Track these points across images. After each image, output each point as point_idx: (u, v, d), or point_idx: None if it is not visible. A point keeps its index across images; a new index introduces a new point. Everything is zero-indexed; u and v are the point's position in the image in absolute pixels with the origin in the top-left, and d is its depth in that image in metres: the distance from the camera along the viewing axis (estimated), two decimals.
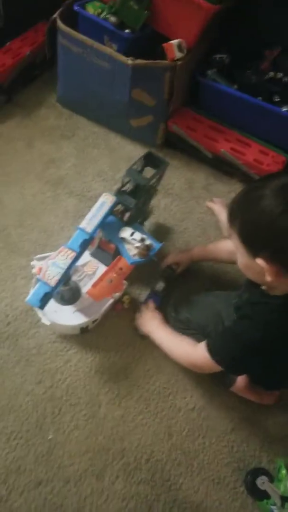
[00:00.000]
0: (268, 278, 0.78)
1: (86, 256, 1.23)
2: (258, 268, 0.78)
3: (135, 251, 1.12)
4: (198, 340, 1.04)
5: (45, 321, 1.11)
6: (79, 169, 1.54)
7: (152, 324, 1.16)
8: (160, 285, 1.27)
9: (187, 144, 1.57)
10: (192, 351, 1.00)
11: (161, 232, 1.42)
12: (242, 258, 0.84)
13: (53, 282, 0.99)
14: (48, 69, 1.75)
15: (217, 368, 0.94)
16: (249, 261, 0.81)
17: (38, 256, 1.20)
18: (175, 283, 1.29)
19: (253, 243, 0.79)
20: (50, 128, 1.64)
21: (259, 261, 0.77)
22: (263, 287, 0.87)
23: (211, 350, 0.94)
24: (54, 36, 1.51)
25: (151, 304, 1.22)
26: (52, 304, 1.13)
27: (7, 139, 1.58)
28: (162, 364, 1.18)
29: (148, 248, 1.11)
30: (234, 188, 1.57)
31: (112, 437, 1.07)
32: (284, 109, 1.47)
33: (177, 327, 1.17)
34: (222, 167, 1.58)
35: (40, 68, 1.75)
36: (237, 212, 0.82)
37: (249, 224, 0.79)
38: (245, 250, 0.81)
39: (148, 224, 1.41)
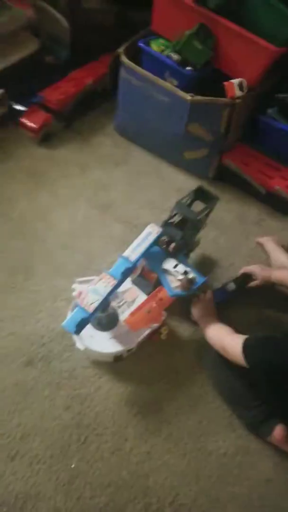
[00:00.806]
0: None
1: (127, 283, 1.22)
2: None
3: (177, 284, 1.11)
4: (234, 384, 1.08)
5: (80, 345, 1.11)
6: (128, 196, 1.56)
7: (203, 313, 1.17)
8: (231, 285, 1.28)
9: (240, 178, 1.56)
10: (230, 338, 1.04)
11: (206, 265, 1.40)
12: None
13: (91, 309, 0.99)
14: (108, 99, 1.81)
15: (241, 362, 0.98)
16: None
17: (79, 279, 1.22)
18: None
19: None
20: (104, 155, 1.68)
21: None
22: None
23: (246, 343, 0.97)
24: (117, 69, 1.57)
25: (210, 296, 1.22)
26: (88, 328, 1.12)
27: (63, 163, 1.63)
28: (196, 403, 1.14)
29: (191, 281, 1.09)
30: (287, 226, 1.53)
31: (136, 473, 1.03)
32: None
33: (215, 368, 1.14)
34: (276, 204, 1.55)
35: (101, 98, 1.82)
36: None
37: None
38: None
39: (193, 255, 1.39)
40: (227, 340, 1.06)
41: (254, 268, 1.28)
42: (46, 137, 1.67)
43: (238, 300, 1.30)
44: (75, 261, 1.37)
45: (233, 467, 1.06)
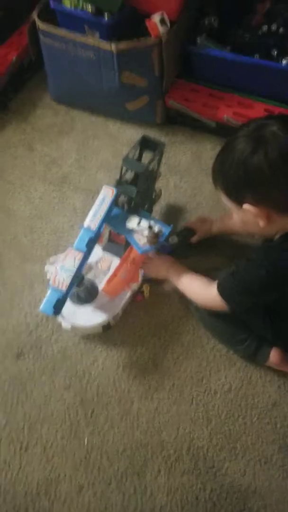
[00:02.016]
0: (261, 223, 0.80)
1: (99, 252, 1.20)
2: (251, 218, 0.81)
3: (144, 240, 1.09)
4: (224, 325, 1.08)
5: (65, 325, 1.10)
6: (82, 163, 1.51)
7: (164, 267, 1.14)
8: (173, 238, 1.23)
9: (188, 117, 1.50)
10: (204, 291, 1.00)
11: (174, 212, 1.38)
12: (236, 215, 0.86)
13: (64, 287, 0.97)
14: (37, 70, 1.72)
15: (223, 306, 0.95)
16: (241, 213, 0.83)
17: (50, 259, 1.19)
18: (191, 263, 1.22)
19: (236, 192, 0.81)
20: (47, 128, 1.62)
21: (246, 207, 0.79)
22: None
23: (220, 287, 0.94)
24: (36, 36, 1.48)
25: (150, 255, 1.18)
26: (70, 306, 1.12)
27: (7, 146, 1.57)
28: (191, 349, 1.14)
29: (156, 234, 1.07)
30: None
31: (149, 431, 1.05)
32: (284, 61, 1.37)
33: (201, 310, 1.13)
34: (228, 134, 1.49)
35: (29, 71, 1.72)
36: (217, 168, 0.84)
37: (227, 174, 0.81)
38: (234, 204, 0.83)
39: (159, 206, 1.37)
40: (200, 297, 1.04)
41: (193, 224, 1.25)
42: None
43: (187, 252, 1.27)
44: (44, 243, 1.34)
45: (240, 399, 1.08)
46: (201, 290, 1.03)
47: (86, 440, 1.04)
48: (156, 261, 1.16)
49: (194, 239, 1.24)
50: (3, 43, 1.68)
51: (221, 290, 0.94)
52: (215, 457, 1.02)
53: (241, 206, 0.80)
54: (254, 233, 0.91)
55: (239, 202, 0.81)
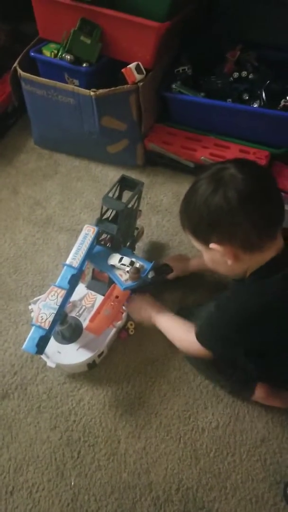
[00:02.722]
0: (229, 262, 0.81)
1: (82, 289, 1.21)
2: (219, 257, 0.82)
3: (126, 276, 1.10)
4: None
5: (50, 364, 1.09)
6: (66, 205, 1.55)
7: (145, 308, 1.13)
8: (151, 275, 1.21)
9: (167, 158, 1.56)
10: (185, 337, 0.98)
11: (156, 250, 1.40)
12: (205, 255, 0.87)
13: (46, 325, 0.97)
14: (21, 115, 1.79)
15: (207, 353, 0.93)
16: (210, 253, 0.85)
17: (34, 299, 1.20)
18: (175, 294, 1.28)
19: (201, 232, 0.83)
20: (32, 172, 1.66)
21: (213, 246, 0.80)
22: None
23: (197, 334, 0.93)
24: (18, 84, 1.54)
25: (141, 293, 1.18)
26: (54, 345, 1.12)
27: None
28: (177, 386, 1.14)
29: (138, 270, 1.08)
30: None
31: (136, 472, 1.03)
32: (255, 105, 1.45)
33: None
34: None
35: (13, 116, 1.79)
36: (182, 211, 0.86)
37: (192, 216, 0.83)
38: (201, 244, 0.85)
39: (141, 244, 1.39)
40: (184, 344, 1.03)
41: (170, 261, 1.26)
42: None
43: (162, 288, 1.29)
44: (28, 283, 1.35)
45: (228, 437, 1.07)
46: (183, 338, 1.01)
47: (73, 482, 1.01)
48: (138, 303, 1.16)
49: (171, 276, 1.25)
50: None
51: (202, 340, 0.92)
52: (205, 497, 1.00)
53: (208, 246, 0.81)
54: (224, 273, 0.90)
55: (205, 242, 0.82)
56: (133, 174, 1.60)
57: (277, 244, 0.82)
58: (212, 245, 0.80)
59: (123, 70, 1.36)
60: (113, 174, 1.62)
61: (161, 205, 1.52)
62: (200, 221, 0.81)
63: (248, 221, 0.76)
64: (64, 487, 1.01)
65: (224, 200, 0.75)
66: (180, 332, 1.03)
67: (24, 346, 0.98)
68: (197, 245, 0.86)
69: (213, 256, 0.84)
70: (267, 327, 0.83)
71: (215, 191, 0.76)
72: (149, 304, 1.14)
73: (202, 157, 1.48)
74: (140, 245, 1.38)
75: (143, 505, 0.99)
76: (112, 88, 1.37)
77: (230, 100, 1.49)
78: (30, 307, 1.20)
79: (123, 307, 1.14)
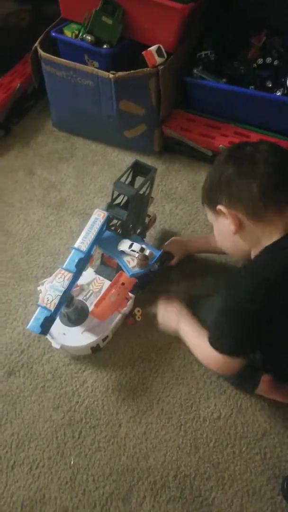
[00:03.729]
0: (232, 227, 0.84)
1: (91, 274, 1.22)
2: (226, 228, 0.86)
3: (134, 263, 1.10)
4: None
5: (55, 345, 1.10)
6: (80, 188, 1.55)
7: (173, 320, 1.11)
8: (153, 265, 1.18)
9: (185, 146, 1.54)
10: (206, 352, 0.94)
11: (167, 238, 1.37)
12: (215, 227, 0.93)
13: (52, 306, 0.98)
14: (41, 97, 1.78)
15: (227, 363, 0.89)
16: (218, 223, 0.90)
17: (43, 280, 1.21)
18: (182, 283, 1.27)
19: (213, 195, 0.88)
20: (49, 154, 1.66)
21: (220, 207, 0.85)
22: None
23: (211, 340, 0.90)
24: (39, 65, 1.54)
25: (164, 299, 1.16)
26: (60, 326, 1.13)
27: (8, 170, 1.61)
28: (181, 374, 1.14)
29: (146, 258, 1.08)
30: None
31: (135, 456, 1.03)
32: (278, 93, 1.41)
33: None
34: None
35: (33, 98, 1.79)
36: (204, 185, 0.95)
37: (208, 181, 0.92)
38: (211, 211, 0.91)
39: (153, 232, 1.39)
40: (196, 349, 1.01)
41: (169, 247, 1.25)
42: None
43: (166, 277, 1.29)
44: (40, 264, 1.36)
45: (229, 428, 1.06)
46: (203, 352, 0.97)
47: (72, 461, 1.03)
48: (167, 310, 1.13)
49: (174, 261, 1.25)
50: (8, 71, 1.76)
51: (219, 346, 0.88)
52: (202, 486, 1.00)
53: (216, 209, 0.87)
54: (230, 251, 0.94)
55: (215, 206, 0.87)
56: (149, 160, 1.59)
57: (285, 222, 0.81)
58: (219, 207, 0.85)
59: (143, 52, 1.34)
60: (129, 160, 1.61)
61: (176, 192, 1.51)
62: (212, 183, 0.88)
63: (256, 185, 0.80)
64: (63, 466, 1.02)
65: (236, 164, 0.83)
66: (201, 348, 0.98)
67: (29, 325, 0.98)
68: (210, 215, 0.93)
69: (221, 227, 0.89)
70: (283, 298, 0.78)
71: (229, 158, 0.85)
72: (175, 309, 1.11)
73: (221, 145, 1.45)
74: (151, 233, 1.37)
75: (140, 489, 1.00)
76: (132, 71, 1.35)
77: (252, 87, 1.45)
78: (39, 288, 1.21)
79: (129, 294, 1.14)
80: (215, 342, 0.89)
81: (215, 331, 0.91)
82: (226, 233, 0.88)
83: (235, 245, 0.88)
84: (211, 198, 0.90)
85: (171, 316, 1.12)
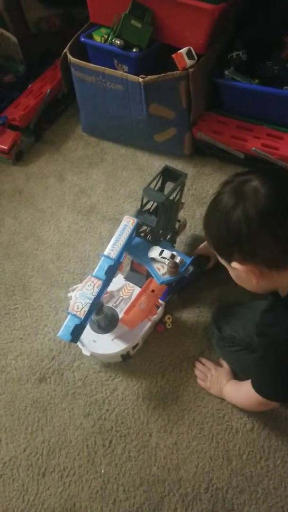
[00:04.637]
0: (254, 280, 0.75)
1: (120, 280, 1.21)
2: (244, 275, 0.76)
3: (164, 270, 1.08)
4: (245, 357, 1.04)
5: (85, 352, 1.10)
6: (110, 194, 1.54)
7: (220, 386, 1.08)
8: (188, 269, 1.15)
9: (216, 148, 1.51)
10: (249, 401, 0.96)
11: (198, 244, 1.35)
12: (230, 271, 0.81)
13: (82, 314, 0.98)
14: (71, 102, 1.79)
15: (268, 404, 0.91)
16: (233, 271, 0.78)
17: (73, 287, 1.21)
18: (215, 290, 1.25)
19: (223, 249, 0.77)
20: (79, 159, 1.67)
21: (235, 265, 0.75)
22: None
23: (262, 393, 0.88)
24: (68, 70, 1.54)
25: (209, 365, 1.13)
26: (90, 334, 1.12)
27: (39, 176, 1.63)
28: None
29: (176, 265, 1.06)
30: None
31: (166, 467, 1.02)
32: None
33: (222, 346, 1.11)
34: (257, 165, 1.50)
35: (63, 103, 1.80)
36: (205, 226, 0.81)
37: (213, 232, 0.77)
38: (224, 261, 0.79)
39: (184, 237, 1.37)
40: (243, 402, 1.02)
41: (202, 250, 1.22)
42: (19, 155, 1.67)
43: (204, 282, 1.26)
44: (70, 270, 1.37)
45: (262, 440, 1.03)
46: (248, 403, 0.99)
47: (103, 470, 1.03)
48: (215, 376, 1.10)
49: (210, 265, 1.22)
50: (39, 76, 1.78)
51: (266, 395, 0.88)
52: (235, 499, 0.98)
53: (230, 264, 0.76)
54: (253, 291, 0.83)
55: (228, 260, 0.77)
56: (179, 164, 1.57)
57: None
58: (234, 264, 0.75)
59: (173, 55, 1.32)
60: (159, 164, 1.59)
61: (207, 197, 1.48)
62: (220, 238, 0.76)
63: (271, 238, 0.70)
64: (94, 474, 1.02)
65: (244, 218, 0.70)
66: (244, 400, 1.01)
67: (59, 333, 0.98)
68: (222, 261, 0.81)
69: (238, 273, 0.78)
70: None
71: (235, 207, 0.71)
72: (225, 376, 1.09)
73: (253, 148, 1.41)
74: (182, 238, 1.35)
75: (171, 501, 0.98)
76: (162, 75, 1.33)
77: (286, 87, 1.40)
78: (69, 294, 1.22)
79: (159, 301, 1.13)
80: (261, 390, 0.89)
81: (259, 380, 0.90)
82: (246, 281, 0.79)
83: (259, 288, 0.80)
84: (220, 250, 0.79)
85: (220, 379, 1.08)
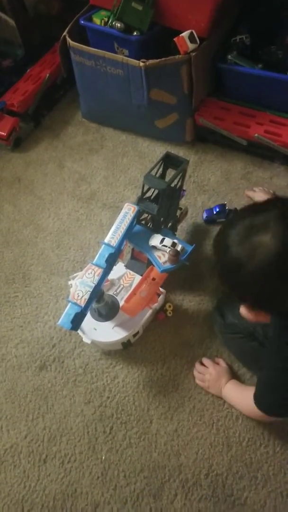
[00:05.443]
0: (264, 320, 0.79)
1: (121, 268, 1.21)
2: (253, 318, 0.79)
3: (165, 258, 1.08)
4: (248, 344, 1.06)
5: (86, 340, 1.10)
6: (110, 181, 1.53)
7: (219, 383, 1.07)
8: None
9: (218, 135, 1.49)
10: (250, 409, 0.96)
11: (199, 232, 1.36)
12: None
13: (82, 302, 0.97)
14: (70, 88, 1.77)
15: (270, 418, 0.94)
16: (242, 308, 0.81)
17: (74, 275, 1.20)
18: (215, 283, 1.23)
19: (233, 291, 0.76)
20: (79, 146, 1.65)
21: (242, 311, 0.80)
22: None
23: (263, 408, 0.91)
24: (68, 54, 1.52)
25: (207, 363, 1.12)
26: (90, 321, 1.12)
27: (39, 163, 1.61)
28: None
29: (177, 253, 1.05)
30: (276, 173, 1.47)
31: (167, 453, 1.03)
32: None
33: (224, 333, 1.11)
34: (260, 152, 1.48)
35: (62, 88, 1.78)
36: (214, 252, 0.79)
37: (221, 268, 0.75)
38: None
39: (185, 225, 1.36)
40: (250, 415, 1.03)
41: (255, 194, 1.25)
42: (18, 142, 1.65)
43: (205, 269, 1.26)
44: (70, 258, 1.36)
45: (262, 427, 1.04)
46: (249, 410, 0.99)
47: (103, 456, 1.03)
48: (214, 375, 1.09)
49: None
50: (38, 61, 1.74)
51: (266, 410, 0.91)
52: (235, 485, 0.98)
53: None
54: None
55: (237, 299, 0.78)
56: (181, 150, 1.55)
57: None
58: (242, 310, 0.79)
59: (175, 39, 1.30)
60: (160, 150, 1.58)
61: (208, 184, 1.47)
62: (228, 278, 0.74)
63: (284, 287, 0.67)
64: (95, 461, 1.03)
65: (251, 279, 0.68)
66: (244, 406, 1.02)
67: (59, 321, 0.98)
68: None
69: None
70: None
71: (243, 261, 0.67)
72: (223, 375, 1.08)
73: (256, 135, 1.39)
74: (183, 226, 1.34)
75: (171, 486, 0.99)
76: (163, 59, 1.31)
77: None
78: (69, 282, 1.21)
79: (160, 289, 1.13)
80: (268, 410, 0.91)
81: (266, 400, 0.92)
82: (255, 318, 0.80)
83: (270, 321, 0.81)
84: (230, 290, 0.77)
85: (218, 378, 1.08)
